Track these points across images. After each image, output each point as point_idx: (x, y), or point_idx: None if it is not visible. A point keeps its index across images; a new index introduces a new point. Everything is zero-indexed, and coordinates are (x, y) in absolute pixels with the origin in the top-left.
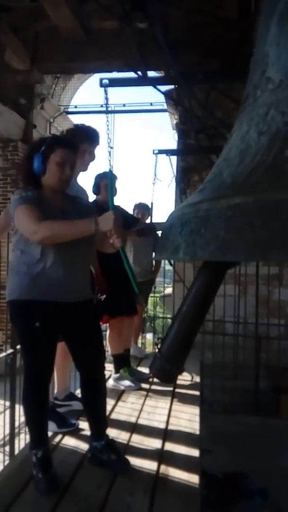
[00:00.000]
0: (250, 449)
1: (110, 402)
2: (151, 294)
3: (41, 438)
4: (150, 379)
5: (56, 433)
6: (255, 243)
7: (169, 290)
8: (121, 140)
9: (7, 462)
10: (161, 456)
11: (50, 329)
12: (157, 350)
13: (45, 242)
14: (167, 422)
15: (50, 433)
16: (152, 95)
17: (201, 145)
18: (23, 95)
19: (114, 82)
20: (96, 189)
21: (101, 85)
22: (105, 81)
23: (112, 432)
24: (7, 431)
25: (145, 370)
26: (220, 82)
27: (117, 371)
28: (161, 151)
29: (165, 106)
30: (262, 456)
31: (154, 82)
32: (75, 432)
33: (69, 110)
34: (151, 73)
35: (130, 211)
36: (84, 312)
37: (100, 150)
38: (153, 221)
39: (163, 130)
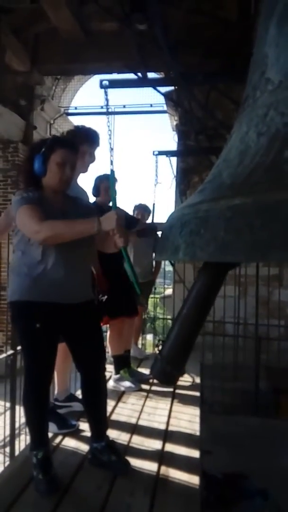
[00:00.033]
0: (250, 450)
1: (110, 403)
2: (151, 295)
3: (42, 439)
4: (150, 380)
5: (56, 434)
6: (255, 243)
7: (169, 291)
8: (121, 142)
9: (7, 463)
10: (161, 457)
11: (51, 330)
12: (157, 351)
13: (48, 242)
14: (167, 423)
15: (50, 434)
16: (152, 97)
17: (201, 146)
18: (23, 97)
19: (114, 84)
20: (96, 191)
21: (101, 86)
22: (105, 83)
23: (112, 433)
24: (8, 432)
25: (145, 371)
26: (220, 83)
27: (117, 372)
28: (161, 152)
29: (165, 108)
30: (262, 457)
31: (154, 84)
32: (76, 433)
33: (69, 111)
34: (151, 75)
35: (130, 212)
36: (85, 313)
37: (100, 152)
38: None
39: (163, 131)
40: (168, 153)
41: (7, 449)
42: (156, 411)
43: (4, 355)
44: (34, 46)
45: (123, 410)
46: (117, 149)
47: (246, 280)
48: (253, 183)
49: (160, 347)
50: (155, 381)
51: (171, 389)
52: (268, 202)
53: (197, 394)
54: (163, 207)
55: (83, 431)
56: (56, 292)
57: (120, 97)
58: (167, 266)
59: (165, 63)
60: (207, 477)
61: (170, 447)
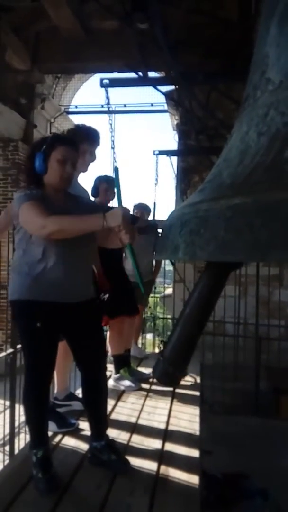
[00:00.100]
0: (251, 449)
1: (110, 402)
2: (151, 294)
3: (41, 438)
4: (150, 380)
5: (56, 433)
6: (255, 243)
7: (169, 291)
8: (121, 141)
9: (7, 461)
10: (161, 457)
11: (52, 329)
12: (158, 351)
13: (53, 237)
14: (167, 423)
15: (50, 433)
16: (153, 96)
17: (202, 146)
18: (23, 95)
19: (114, 82)
20: (95, 192)
21: (102, 85)
22: (106, 81)
23: (112, 432)
24: (7, 430)
25: (145, 370)
26: (220, 82)
27: (117, 371)
28: (161, 152)
29: (165, 107)
30: (262, 457)
31: (154, 83)
32: (75, 432)
33: (70, 110)
34: (151, 74)
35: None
36: (86, 312)
37: (101, 151)
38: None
39: (164, 131)
40: (169, 153)
41: (7, 448)
42: (156, 411)
43: (3, 353)
44: (35, 45)
45: (123, 409)
46: (118, 148)
47: (246, 280)
48: (253, 182)
49: (162, 348)
50: (155, 380)
51: (171, 389)
52: (268, 201)
53: (197, 393)
54: (164, 206)
55: (82, 430)
56: (57, 291)
57: (120, 96)
58: (167, 266)
59: (165, 62)
60: (207, 476)
61: (170, 447)
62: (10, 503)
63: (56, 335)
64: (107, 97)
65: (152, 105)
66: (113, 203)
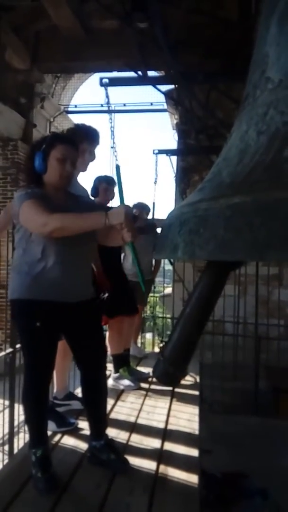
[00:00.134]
0: (250, 449)
1: (109, 402)
2: (151, 294)
3: (41, 437)
4: (150, 379)
5: (55, 433)
6: (254, 242)
7: (168, 290)
8: (121, 140)
9: (6, 461)
10: (160, 456)
11: (51, 329)
12: (158, 351)
13: (54, 235)
14: (167, 422)
15: (49, 433)
16: (153, 95)
17: (201, 145)
18: (23, 95)
19: (114, 82)
20: (95, 192)
21: (101, 84)
22: (105, 80)
23: (111, 432)
24: (6, 430)
25: (144, 369)
26: (220, 82)
27: (116, 371)
28: (161, 151)
29: (165, 106)
30: (262, 456)
31: (154, 82)
32: (75, 432)
33: (69, 109)
34: (151, 73)
35: None
36: (86, 311)
37: (100, 150)
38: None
39: (164, 130)
40: (169, 152)
41: (6, 447)
42: (155, 410)
43: (3, 353)
44: (35, 44)
45: (122, 409)
46: (118, 147)
47: (246, 279)
48: (253, 181)
49: (162, 348)
50: (154, 379)
51: (170, 388)
52: (267, 201)
53: (197, 393)
54: (164, 205)
55: (82, 429)
56: (56, 290)
57: (120, 95)
58: (166, 265)
59: (165, 62)
60: (206, 476)
61: (169, 446)
62: (9, 502)
63: (55, 335)
64: (107, 96)
65: (151, 104)
66: (113, 203)
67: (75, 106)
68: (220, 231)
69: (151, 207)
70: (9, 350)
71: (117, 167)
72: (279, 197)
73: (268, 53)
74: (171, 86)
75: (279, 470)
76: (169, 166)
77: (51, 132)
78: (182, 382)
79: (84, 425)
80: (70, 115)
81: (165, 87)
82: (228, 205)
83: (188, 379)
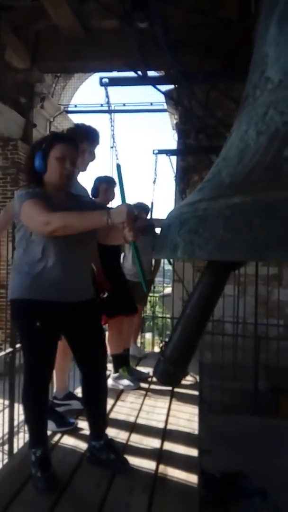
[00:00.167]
0: (249, 449)
1: (109, 402)
2: (150, 294)
3: (40, 437)
4: (149, 379)
5: (55, 432)
6: (254, 242)
7: (168, 290)
8: (121, 140)
9: (6, 460)
10: (160, 456)
11: (51, 329)
12: (158, 350)
13: (56, 234)
14: (166, 422)
15: (49, 432)
16: (152, 95)
17: (201, 145)
18: (23, 94)
19: (114, 81)
20: (95, 192)
21: (101, 84)
22: (105, 80)
23: (111, 432)
24: (6, 429)
25: (144, 369)
26: (220, 82)
27: (116, 371)
28: (161, 151)
29: (165, 106)
30: (261, 456)
31: (154, 82)
32: (74, 431)
33: (69, 109)
34: (151, 73)
35: None
36: (86, 311)
37: (100, 150)
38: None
39: (163, 130)
40: (168, 152)
41: (6, 447)
42: (155, 410)
43: (3, 352)
44: (34, 44)
45: (122, 409)
46: (118, 147)
47: (245, 279)
48: (253, 182)
49: (162, 348)
50: (154, 379)
51: (169, 388)
52: (267, 201)
53: (196, 393)
54: (163, 205)
55: (81, 429)
56: (56, 290)
57: (120, 95)
58: (166, 265)
59: (165, 61)
60: (206, 476)
61: (168, 446)
62: (9, 502)
63: (55, 335)
64: (107, 96)
65: (151, 104)
66: (113, 204)
67: (75, 106)
68: (219, 231)
69: (150, 207)
70: (9, 349)
71: (118, 167)
72: (279, 197)
73: (268, 53)
74: (171, 86)
75: (278, 470)
76: (169, 166)
77: (51, 132)
78: (182, 382)
79: (83, 425)
80: (70, 115)
81: (165, 87)
82: (227, 205)
83: (188, 379)
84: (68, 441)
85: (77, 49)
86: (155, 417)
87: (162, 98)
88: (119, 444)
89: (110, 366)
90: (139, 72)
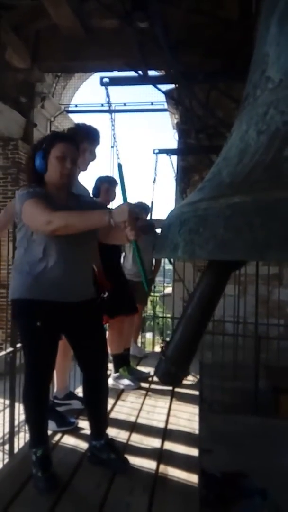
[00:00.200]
0: (250, 449)
1: (109, 401)
2: (151, 293)
3: (41, 437)
4: (150, 379)
5: (55, 432)
6: (254, 242)
7: (169, 290)
8: (121, 139)
9: (6, 460)
10: (161, 456)
11: (52, 329)
12: (159, 350)
13: (57, 233)
14: (167, 422)
15: (49, 432)
16: (153, 95)
17: (202, 145)
18: (23, 94)
19: (114, 81)
20: (96, 192)
21: (102, 83)
22: (106, 80)
23: (111, 431)
24: (7, 429)
25: (144, 369)
26: (220, 82)
27: (116, 370)
28: (161, 151)
29: (165, 106)
30: (262, 456)
31: (154, 81)
32: (75, 431)
33: (70, 109)
34: (151, 73)
35: None
36: (87, 311)
37: (101, 150)
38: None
39: (164, 130)
40: (169, 152)
41: (6, 447)
42: (155, 410)
43: (3, 352)
44: (35, 43)
45: (122, 408)
46: (118, 146)
47: (246, 279)
48: (253, 181)
49: (163, 348)
50: (154, 379)
51: (170, 388)
52: (267, 200)
53: (196, 392)
54: (164, 205)
55: (82, 429)
56: (57, 290)
57: (120, 95)
58: (166, 265)
59: (165, 61)
60: (206, 475)
61: (169, 446)
62: (9, 502)
63: (56, 335)
64: (108, 96)
65: (152, 104)
66: (114, 204)
67: (76, 106)
68: (220, 231)
69: (150, 206)
70: (10, 349)
71: (119, 166)
72: (279, 197)
73: (268, 53)
74: (172, 86)
75: (278, 470)
76: (169, 166)
77: (51, 132)
78: (182, 381)
79: (84, 425)
80: (70, 115)
81: (165, 87)
82: (228, 205)
83: (188, 379)
84: (69, 440)
85: (78, 48)
86: (156, 416)
87: (162, 97)
88: (120, 444)
89: (110, 365)
90: (140, 72)
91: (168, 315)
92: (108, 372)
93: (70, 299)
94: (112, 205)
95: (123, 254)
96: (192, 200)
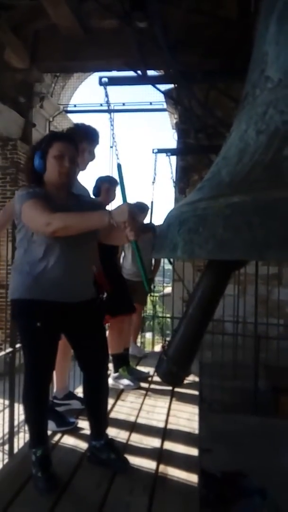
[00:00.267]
0: (249, 448)
1: (109, 401)
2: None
3: (41, 437)
4: (149, 378)
5: (55, 432)
6: (253, 241)
7: (168, 289)
8: (120, 139)
9: (6, 460)
10: (160, 455)
11: (52, 329)
12: (160, 350)
13: (57, 234)
14: (166, 421)
15: (49, 432)
16: (152, 95)
17: (201, 145)
18: (22, 94)
19: (113, 81)
20: (97, 192)
21: (101, 83)
22: (105, 80)
23: (111, 431)
24: (7, 429)
25: (144, 369)
26: (219, 81)
27: (116, 370)
28: (160, 150)
29: (164, 106)
30: (261, 456)
31: (153, 81)
32: (74, 431)
33: (69, 109)
34: (150, 72)
35: None
36: (87, 312)
37: (100, 150)
38: (153, 220)
39: (163, 130)
40: (168, 151)
41: (6, 447)
42: (155, 409)
43: (3, 352)
44: (34, 43)
45: (122, 408)
46: (117, 146)
47: (245, 278)
48: (252, 181)
49: (164, 347)
50: (154, 379)
51: (170, 387)
52: (267, 200)
53: (196, 392)
54: (163, 205)
55: (82, 429)
56: (57, 290)
57: (119, 95)
58: (166, 265)
59: (164, 61)
60: (206, 475)
61: (169, 445)
62: (9, 502)
63: (56, 335)
64: (106, 96)
65: (151, 103)
66: (114, 204)
67: (75, 106)
68: (219, 230)
69: (149, 206)
70: (9, 349)
71: (119, 166)
72: (278, 196)
73: (268, 52)
74: (171, 86)
75: (278, 470)
76: (168, 166)
77: (50, 131)
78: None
79: (84, 425)
80: (69, 115)
81: (164, 87)
82: (227, 204)
83: (188, 379)
84: (69, 440)
85: (76, 48)
86: (155, 416)
87: (161, 97)
88: (120, 444)
89: (110, 365)
90: (139, 72)
91: (168, 315)
92: (108, 372)
93: (70, 299)
94: (112, 205)
95: (122, 254)
96: (191, 200)
